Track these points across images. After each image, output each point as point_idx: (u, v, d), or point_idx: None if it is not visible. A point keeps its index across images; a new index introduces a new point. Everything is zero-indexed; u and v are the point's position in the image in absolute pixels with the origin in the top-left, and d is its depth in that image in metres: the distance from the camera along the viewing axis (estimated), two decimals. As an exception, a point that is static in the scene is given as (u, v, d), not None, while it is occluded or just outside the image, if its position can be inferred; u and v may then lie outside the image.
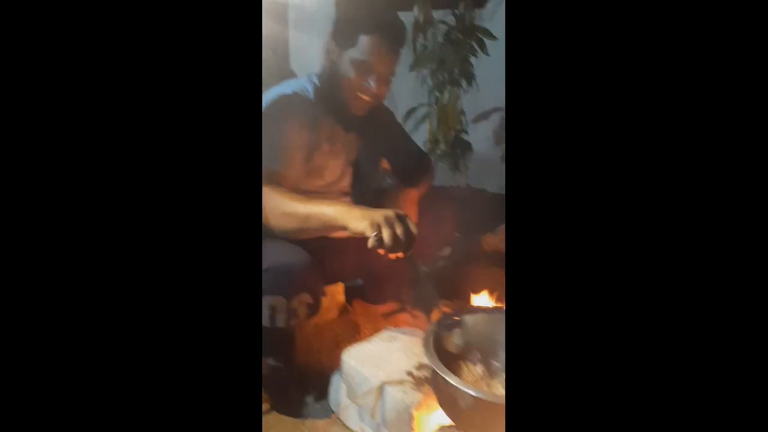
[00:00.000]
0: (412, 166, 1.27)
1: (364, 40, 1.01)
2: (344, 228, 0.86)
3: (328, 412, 1.06)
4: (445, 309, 0.98)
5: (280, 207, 0.91)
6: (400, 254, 0.84)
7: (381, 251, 0.83)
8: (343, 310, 1.44)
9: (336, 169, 1.16)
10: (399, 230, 0.81)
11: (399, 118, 2.06)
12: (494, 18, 2.01)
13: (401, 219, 0.82)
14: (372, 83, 1.03)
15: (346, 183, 1.19)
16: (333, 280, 1.36)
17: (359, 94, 1.05)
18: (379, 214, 0.83)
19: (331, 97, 1.09)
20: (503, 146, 2.35)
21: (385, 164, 1.32)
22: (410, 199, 1.19)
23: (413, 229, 0.82)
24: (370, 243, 0.81)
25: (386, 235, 0.80)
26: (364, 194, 1.25)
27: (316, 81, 1.12)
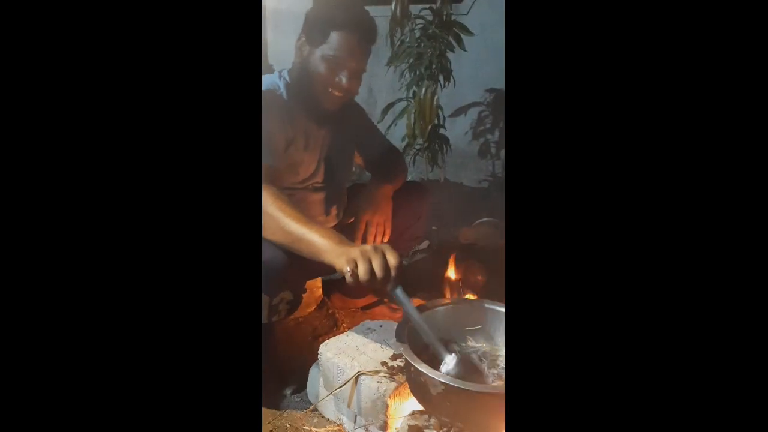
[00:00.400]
0: (385, 162, 1.29)
1: (334, 36, 1.02)
2: (332, 266, 0.85)
3: (307, 404, 1.08)
4: (421, 301, 1.00)
5: (279, 220, 0.91)
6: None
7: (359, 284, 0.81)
8: (322, 304, 1.46)
9: (310, 164, 1.17)
10: (376, 263, 0.79)
11: (377, 112, 2.08)
12: (471, 14, 2.03)
13: (378, 252, 0.81)
14: (343, 79, 1.05)
15: (319, 178, 1.20)
16: (312, 275, 1.37)
17: (330, 89, 1.06)
18: (356, 250, 0.82)
19: (302, 92, 1.10)
20: (481, 141, 2.38)
21: (358, 160, 1.34)
22: (384, 195, 1.21)
23: (393, 260, 0.81)
24: (347, 279, 0.81)
25: (361, 270, 0.79)
26: (337, 190, 1.26)
27: (287, 77, 1.13)
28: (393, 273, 0.81)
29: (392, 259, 0.81)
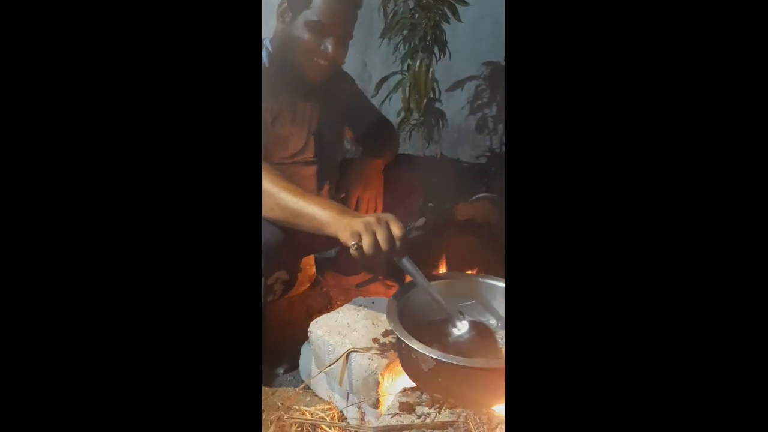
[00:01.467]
0: (375, 134, 1.24)
1: (317, 1, 0.97)
2: (336, 237, 0.83)
3: (299, 383, 1.06)
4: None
5: (274, 197, 0.88)
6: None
7: (364, 257, 0.81)
8: (315, 283, 1.43)
9: (299, 139, 1.13)
10: (380, 235, 0.78)
11: (372, 87, 2.02)
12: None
13: (382, 223, 0.79)
14: (328, 46, 0.99)
15: (310, 153, 1.16)
16: (305, 253, 1.35)
17: (315, 58, 1.01)
18: (359, 222, 0.80)
19: (286, 62, 1.05)
20: (478, 115, 2.33)
21: (349, 133, 1.30)
22: (374, 169, 1.17)
23: (397, 230, 0.80)
24: (352, 253, 0.80)
25: (366, 243, 0.78)
26: (329, 164, 1.22)
27: (269, 46, 1.07)
28: (398, 244, 0.79)
29: (396, 230, 0.79)
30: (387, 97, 2.00)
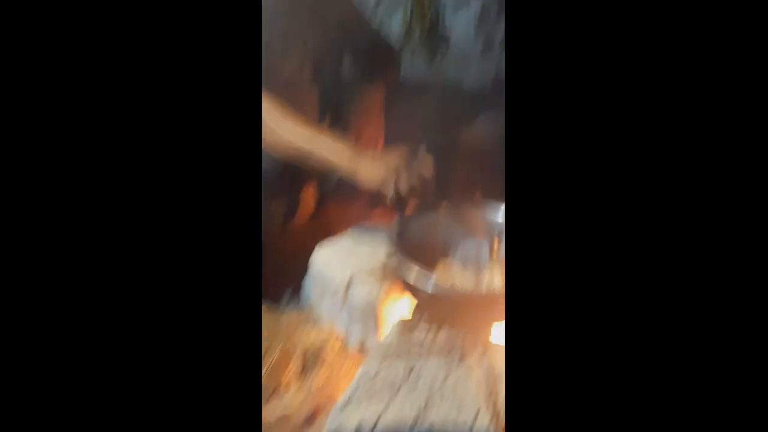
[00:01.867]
0: (375, 59, 1.18)
1: None
2: (353, 177, 0.83)
3: (301, 311, 1.08)
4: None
5: (282, 134, 0.87)
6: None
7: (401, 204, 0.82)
8: (316, 214, 1.43)
9: (292, 66, 1.07)
10: (413, 176, 0.81)
11: (369, 5, 1.90)
12: None
13: (411, 164, 0.82)
14: None
15: (305, 80, 1.10)
16: (306, 182, 1.33)
17: None
18: (388, 167, 0.81)
19: None
20: (483, 37, 2.20)
21: (347, 57, 1.23)
22: (375, 102, 1.12)
23: (427, 170, 0.83)
24: (388, 199, 0.82)
25: (403, 185, 0.80)
26: (327, 92, 1.17)
27: None
28: (431, 181, 0.83)
29: (426, 170, 0.84)
30: (386, 16, 1.89)
